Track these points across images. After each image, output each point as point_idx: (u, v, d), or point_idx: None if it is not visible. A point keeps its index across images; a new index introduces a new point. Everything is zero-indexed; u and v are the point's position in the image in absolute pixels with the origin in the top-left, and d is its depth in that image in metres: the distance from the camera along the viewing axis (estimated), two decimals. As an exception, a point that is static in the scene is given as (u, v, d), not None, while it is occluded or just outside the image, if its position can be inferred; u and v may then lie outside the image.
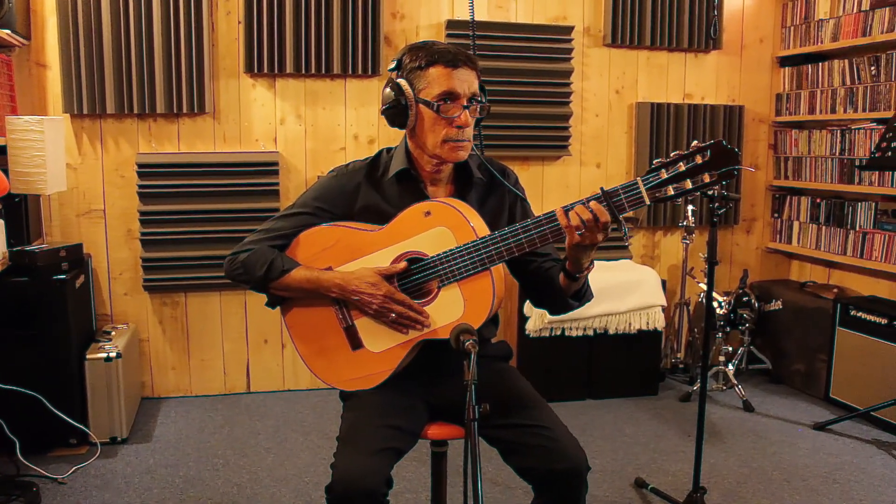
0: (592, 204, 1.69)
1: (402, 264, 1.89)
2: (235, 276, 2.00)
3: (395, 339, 1.92)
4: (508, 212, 2.07)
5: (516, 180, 2.12)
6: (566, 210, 1.72)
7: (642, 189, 1.66)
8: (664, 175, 1.64)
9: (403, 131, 2.00)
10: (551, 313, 2.07)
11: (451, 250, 1.83)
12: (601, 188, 1.70)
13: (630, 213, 1.81)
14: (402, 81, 1.89)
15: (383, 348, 1.94)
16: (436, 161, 1.95)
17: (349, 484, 1.70)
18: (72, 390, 3.38)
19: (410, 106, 1.88)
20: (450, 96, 1.86)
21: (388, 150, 2.07)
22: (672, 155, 1.64)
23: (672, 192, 1.64)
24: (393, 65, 1.93)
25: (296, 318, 2.03)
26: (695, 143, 1.64)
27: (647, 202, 1.67)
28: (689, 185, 1.63)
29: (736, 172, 1.61)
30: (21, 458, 3.14)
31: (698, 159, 1.61)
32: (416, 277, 1.90)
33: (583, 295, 1.97)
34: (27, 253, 3.31)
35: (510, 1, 4.32)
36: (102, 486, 3.08)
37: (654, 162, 1.66)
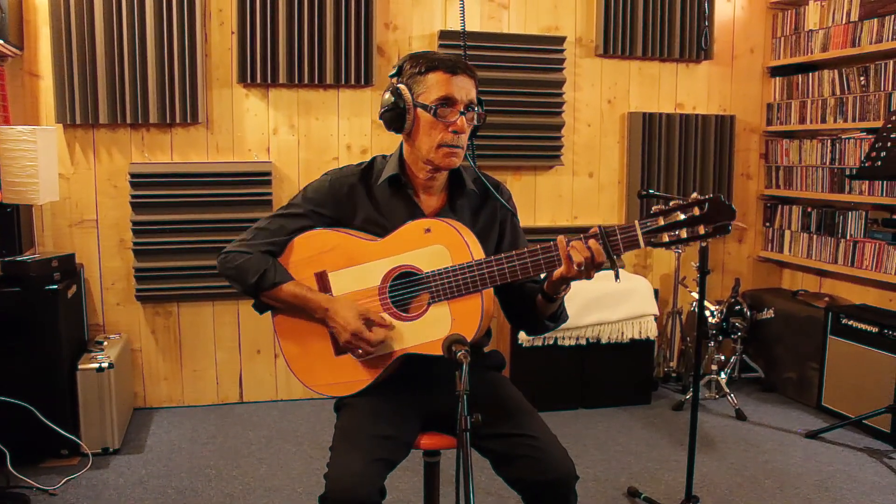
0: (591, 243, 1.72)
1: (390, 322, 1.90)
2: (227, 276, 2.01)
3: (378, 350, 1.92)
4: (499, 226, 2.09)
5: (510, 197, 2.14)
6: (566, 242, 1.75)
7: (639, 232, 1.69)
8: (661, 222, 1.67)
9: (399, 142, 2.03)
10: (528, 334, 2.12)
11: (445, 269, 1.85)
12: (598, 226, 1.73)
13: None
14: (401, 86, 1.91)
15: (365, 357, 1.94)
16: (429, 168, 1.96)
17: (343, 494, 1.71)
18: (63, 401, 3.37)
19: (409, 110, 1.91)
20: (447, 101, 1.89)
21: (384, 157, 2.09)
22: (671, 204, 1.68)
23: (666, 240, 1.68)
24: (393, 71, 1.97)
25: (284, 320, 2.04)
26: (694, 194, 1.69)
27: (642, 245, 1.70)
28: (683, 234, 1.67)
29: (730, 228, 1.66)
30: (12, 470, 3.13)
31: (696, 211, 1.65)
32: (407, 291, 1.91)
33: (558, 316, 2.01)
34: (19, 263, 3.30)
35: (503, 11, 4.34)
36: (94, 497, 3.07)
37: (653, 208, 1.69)
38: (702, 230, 1.65)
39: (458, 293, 1.84)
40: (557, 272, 1.79)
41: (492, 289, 1.86)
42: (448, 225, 1.88)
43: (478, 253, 1.86)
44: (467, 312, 1.84)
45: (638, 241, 1.70)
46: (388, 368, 1.93)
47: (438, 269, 1.85)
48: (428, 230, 1.88)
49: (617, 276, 1.74)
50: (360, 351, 1.91)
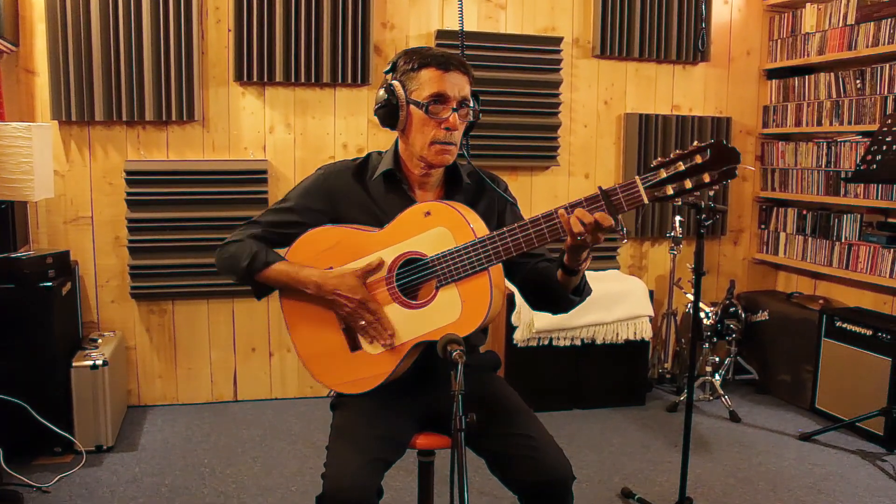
0: (597, 214, 1.67)
1: (383, 271, 1.89)
2: (223, 268, 2.02)
3: (382, 327, 1.91)
4: (497, 218, 2.08)
5: (506, 188, 2.13)
6: (567, 211, 1.71)
7: (640, 188, 1.63)
8: (663, 174, 1.61)
9: (394, 138, 2.03)
10: (553, 313, 2.04)
11: (449, 250, 1.83)
12: (599, 188, 1.67)
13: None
14: (395, 83, 1.91)
15: (381, 350, 1.93)
16: (423, 164, 1.96)
17: (342, 493, 1.71)
18: (57, 398, 3.36)
19: (402, 106, 1.90)
20: (440, 98, 1.88)
21: (379, 153, 2.09)
22: (671, 154, 1.61)
23: (671, 192, 1.61)
24: (388, 67, 1.97)
25: (296, 318, 2.03)
26: (695, 142, 1.61)
27: (646, 201, 1.64)
28: (688, 184, 1.60)
29: (736, 172, 1.58)
30: (5, 467, 3.11)
31: (698, 159, 1.59)
32: (414, 277, 1.90)
33: (582, 289, 1.96)
34: (13, 260, 3.29)
35: (500, 11, 4.34)
36: (87, 495, 3.06)
37: (653, 161, 1.63)
38: (707, 178, 1.58)
39: (464, 274, 1.81)
40: (567, 242, 1.75)
41: (500, 265, 1.83)
42: (447, 206, 1.86)
43: (480, 230, 1.84)
44: (476, 292, 1.81)
45: (640, 196, 1.63)
46: (404, 359, 1.91)
47: (442, 252, 1.83)
48: (428, 213, 1.87)
49: (624, 238, 1.71)
50: (364, 322, 1.89)
